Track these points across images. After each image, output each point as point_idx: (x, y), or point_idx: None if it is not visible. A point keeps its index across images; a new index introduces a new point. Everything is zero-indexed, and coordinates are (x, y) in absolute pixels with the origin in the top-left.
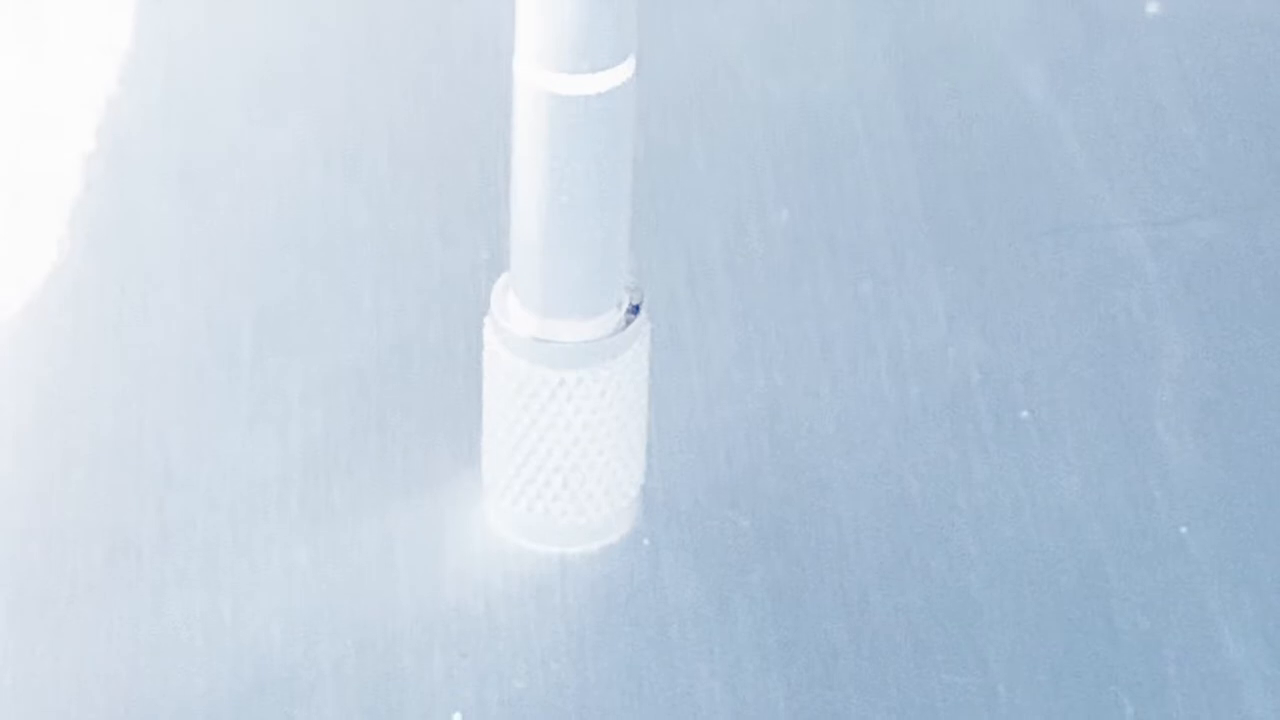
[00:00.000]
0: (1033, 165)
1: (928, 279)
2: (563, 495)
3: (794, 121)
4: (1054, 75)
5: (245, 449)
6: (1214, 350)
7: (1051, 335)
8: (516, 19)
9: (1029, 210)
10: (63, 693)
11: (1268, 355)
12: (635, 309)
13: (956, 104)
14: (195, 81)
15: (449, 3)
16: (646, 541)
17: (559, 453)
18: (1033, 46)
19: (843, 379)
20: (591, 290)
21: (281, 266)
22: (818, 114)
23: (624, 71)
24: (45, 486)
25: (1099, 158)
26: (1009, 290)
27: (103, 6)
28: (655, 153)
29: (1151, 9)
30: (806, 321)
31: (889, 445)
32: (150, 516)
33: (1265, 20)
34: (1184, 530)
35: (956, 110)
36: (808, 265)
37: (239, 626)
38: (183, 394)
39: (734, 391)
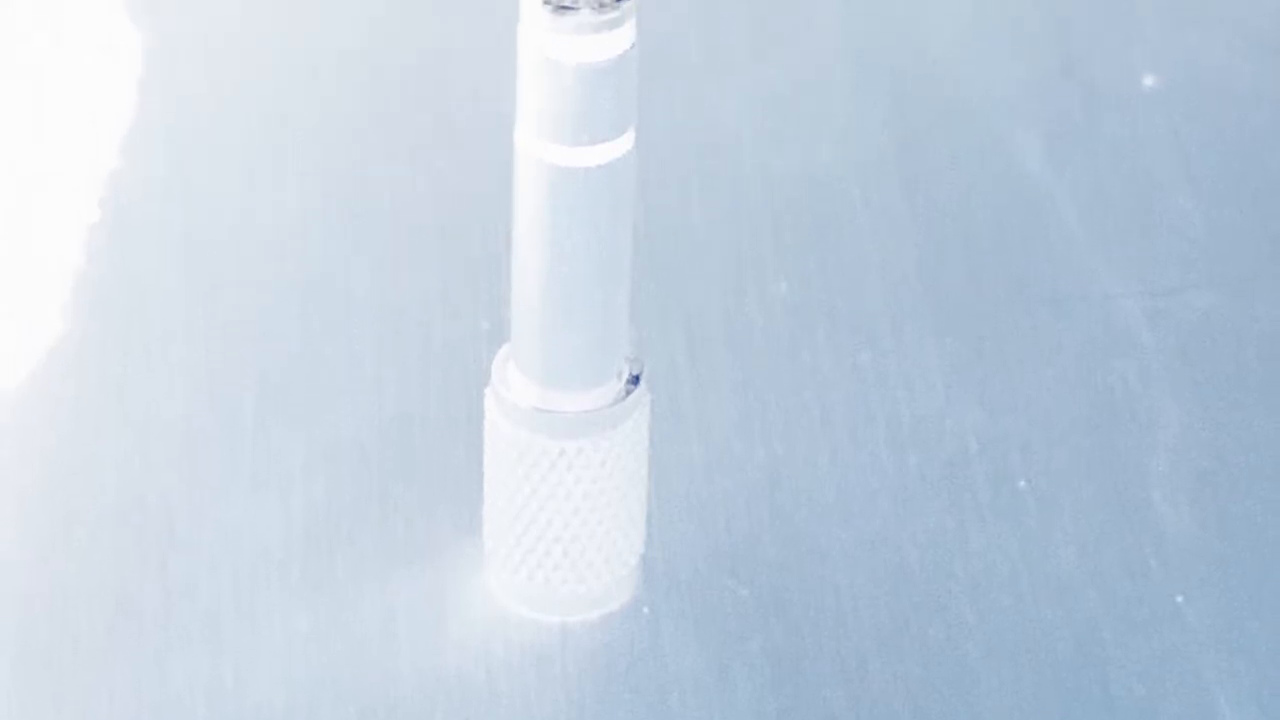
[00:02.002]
0: (1030, 236)
1: (926, 349)
2: (563, 564)
3: (793, 192)
4: (1052, 147)
5: (247, 516)
6: (1210, 420)
7: (1049, 405)
8: (518, 90)
9: (1027, 281)
10: None
11: (1263, 425)
12: (635, 379)
13: (955, 175)
14: (197, 151)
15: (451, 72)
16: (646, 610)
17: (559, 522)
18: (1030, 119)
19: (841, 449)
20: (592, 361)
21: (283, 334)
22: (817, 185)
23: (624, 144)
24: (48, 551)
25: (1096, 229)
26: (1007, 360)
27: (104, 77)
28: (655, 223)
29: (1148, 81)
30: (806, 391)
31: (887, 514)
32: (152, 582)
33: (1260, 93)
34: (1180, 599)
35: (955, 181)
36: (807, 335)
37: (241, 693)
38: (185, 461)
39: (733, 461)
